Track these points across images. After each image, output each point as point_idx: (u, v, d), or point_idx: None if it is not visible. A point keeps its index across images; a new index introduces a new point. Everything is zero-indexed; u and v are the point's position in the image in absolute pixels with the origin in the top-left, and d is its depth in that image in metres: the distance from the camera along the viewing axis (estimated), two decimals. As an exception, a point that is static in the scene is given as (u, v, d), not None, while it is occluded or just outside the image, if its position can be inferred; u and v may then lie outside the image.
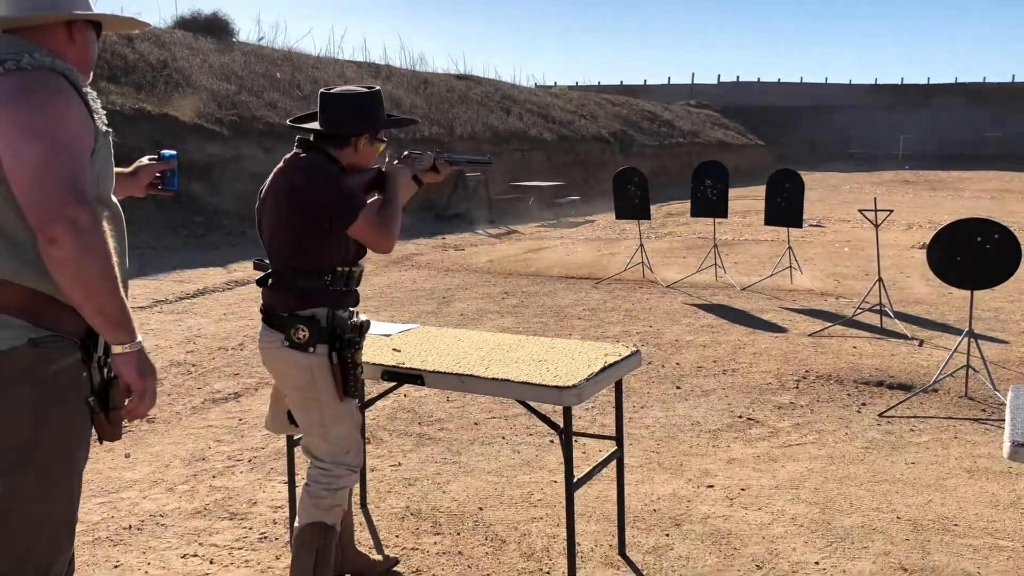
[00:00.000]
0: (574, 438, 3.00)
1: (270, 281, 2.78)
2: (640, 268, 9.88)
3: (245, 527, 3.65)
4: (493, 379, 2.89)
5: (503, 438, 4.71)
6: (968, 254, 5.13)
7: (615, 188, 9.91)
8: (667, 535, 3.54)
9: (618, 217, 10.16)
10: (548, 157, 21.68)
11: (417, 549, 3.45)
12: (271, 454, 4.46)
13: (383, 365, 3.06)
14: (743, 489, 4.00)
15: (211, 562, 3.35)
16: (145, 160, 2.58)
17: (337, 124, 2.80)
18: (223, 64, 17.05)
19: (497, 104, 23.07)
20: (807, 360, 6.24)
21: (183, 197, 12.65)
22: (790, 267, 9.44)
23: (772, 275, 9.54)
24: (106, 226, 1.88)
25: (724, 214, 9.55)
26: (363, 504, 3.80)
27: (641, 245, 10.01)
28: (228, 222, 13.21)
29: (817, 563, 3.30)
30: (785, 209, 8.95)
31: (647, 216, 9.79)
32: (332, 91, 2.84)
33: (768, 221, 9.22)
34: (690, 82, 45.64)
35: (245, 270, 10.37)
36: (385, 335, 3.48)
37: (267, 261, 2.85)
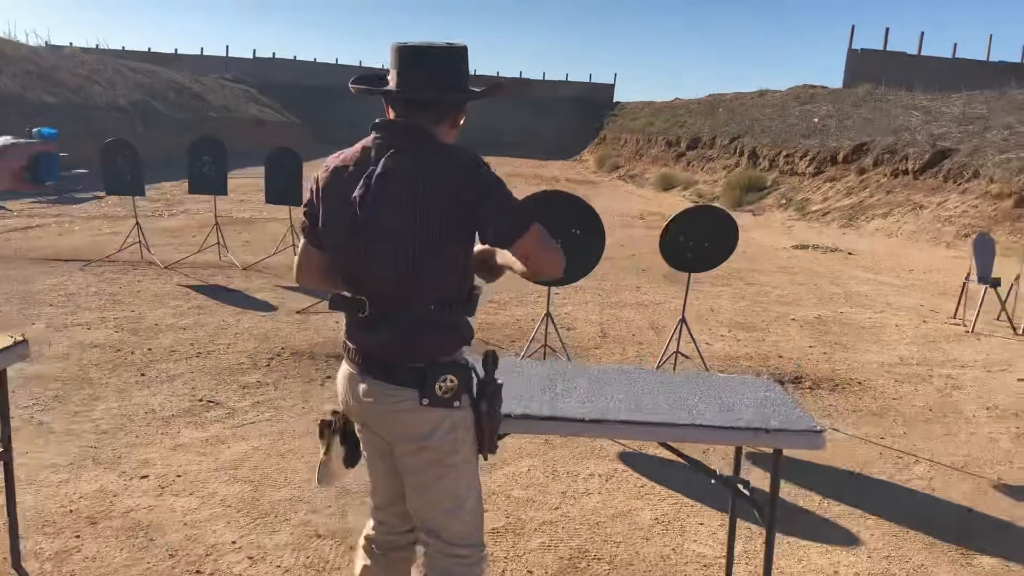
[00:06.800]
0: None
1: (390, 323, 2.00)
2: (138, 248, 9.27)
3: None
4: None
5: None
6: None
7: (103, 160, 9.12)
8: (78, 536, 3.29)
9: (108, 193, 9.39)
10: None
11: None
12: None
13: None
14: (179, 476, 3.88)
15: None
16: (9, 139, 1.70)
17: (439, 87, 1.98)
18: None
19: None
20: (287, 337, 6.32)
21: None
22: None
23: (274, 255, 9.54)
24: None
25: (223, 191, 9.31)
26: None
27: (137, 223, 9.37)
28: None
29: (234, 542, 3.30)
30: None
31: (140, 192, 9.17)
32: (412, 44, 1.97)
33: (268, 200, 9.10)
34: (224, 55, 44.25)
35: None
36: None
37: (358, 296, 2.04)
